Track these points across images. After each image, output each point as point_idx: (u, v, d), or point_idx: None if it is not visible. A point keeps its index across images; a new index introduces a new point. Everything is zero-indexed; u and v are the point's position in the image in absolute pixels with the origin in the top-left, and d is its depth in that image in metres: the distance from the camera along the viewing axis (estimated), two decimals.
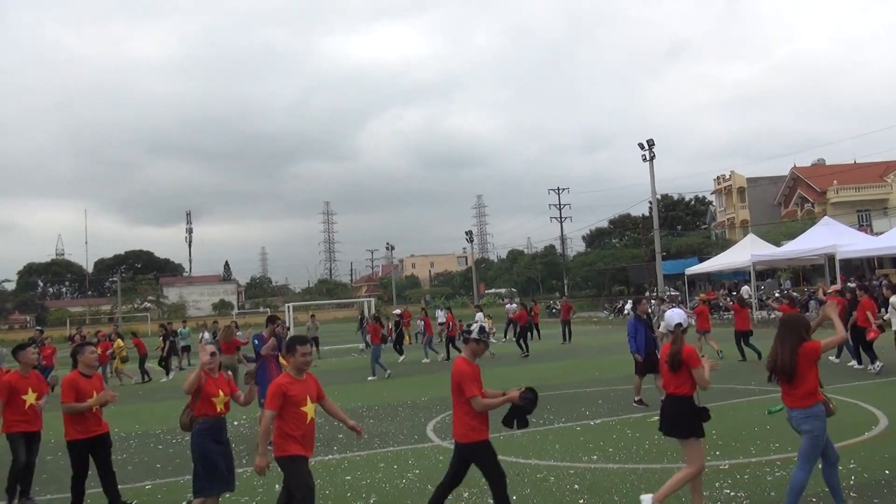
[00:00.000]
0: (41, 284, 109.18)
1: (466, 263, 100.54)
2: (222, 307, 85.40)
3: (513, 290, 78.52)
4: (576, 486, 6.79)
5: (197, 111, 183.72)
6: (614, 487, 6.68)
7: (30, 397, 7.24)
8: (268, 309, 60.32)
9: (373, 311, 26.98)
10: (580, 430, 9.50)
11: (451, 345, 22.05)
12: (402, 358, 22.15)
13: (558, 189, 74.90)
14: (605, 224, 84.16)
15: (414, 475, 7.56)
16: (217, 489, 5.91)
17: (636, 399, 11.10)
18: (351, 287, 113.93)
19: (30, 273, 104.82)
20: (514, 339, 30.28)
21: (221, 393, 6.07)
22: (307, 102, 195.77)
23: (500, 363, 19.88)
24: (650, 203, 46.19)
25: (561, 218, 75.28)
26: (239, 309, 70.85)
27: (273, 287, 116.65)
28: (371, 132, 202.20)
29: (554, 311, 46.68)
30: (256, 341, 10.00)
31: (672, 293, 37.12)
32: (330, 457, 8.85)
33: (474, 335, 5.44)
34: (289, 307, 32.01)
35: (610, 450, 8.31)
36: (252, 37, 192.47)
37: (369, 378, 17.54)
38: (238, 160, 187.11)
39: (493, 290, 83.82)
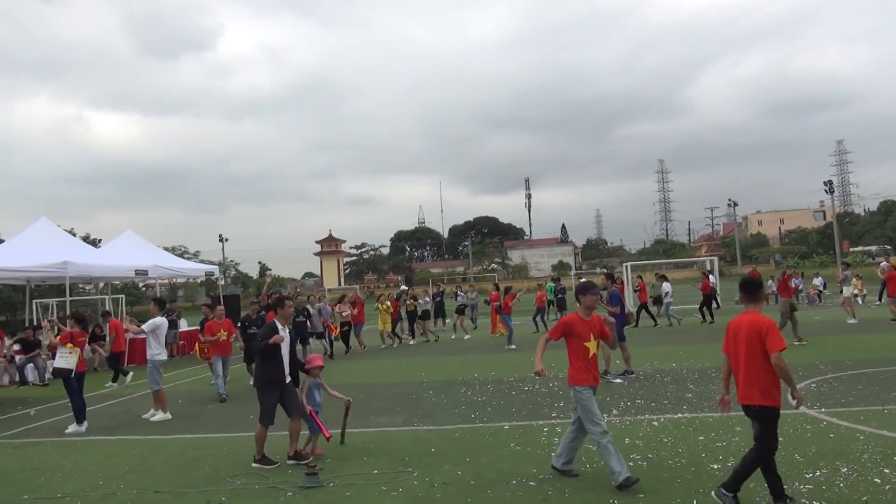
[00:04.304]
0: (408, 249, 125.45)
1: (825, 218, 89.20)
2: (560, 268, 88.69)
3: (886, 247, 67.48)
4: None
5: (526, 84, 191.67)
6: None
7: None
8: (604, 269, 61.01)
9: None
10: None
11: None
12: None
13: None
14: None
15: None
16: None
17: None
18: (689, 247, 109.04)
19: (399, 239, 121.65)
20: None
21: None
22: (634, 61, 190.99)
23: (859, 330, 17.26)
24: None
25: None
26: (576, 269, 73.02)
27: (608, 248, 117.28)
28: (705, 84, 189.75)
29: None
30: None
31: None
32: (679, 415, 8.59)
33: None
34: (626, 266, 31.89)
35: None
36: (578, 3, 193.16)
37: None
38: (568, 126, 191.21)
39: (859, 248, 73.14)
